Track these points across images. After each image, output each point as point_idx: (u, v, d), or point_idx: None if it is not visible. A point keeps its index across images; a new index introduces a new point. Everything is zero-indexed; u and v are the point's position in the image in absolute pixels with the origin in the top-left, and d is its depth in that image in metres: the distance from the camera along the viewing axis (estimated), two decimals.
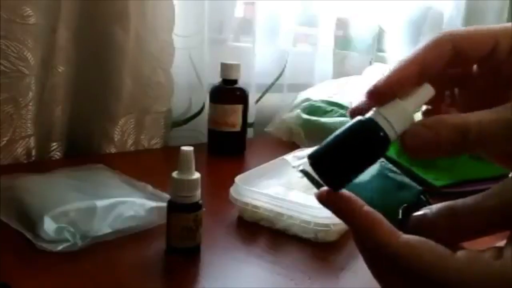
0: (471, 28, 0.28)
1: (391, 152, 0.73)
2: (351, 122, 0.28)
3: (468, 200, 0.26)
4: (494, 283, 0.23)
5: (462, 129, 0.25)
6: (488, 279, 0.23)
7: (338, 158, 0.28)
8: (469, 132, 0.25)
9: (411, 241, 0.25)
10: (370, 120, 0.27)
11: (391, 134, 0.26)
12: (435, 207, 0.28)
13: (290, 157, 0.40)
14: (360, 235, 0.27)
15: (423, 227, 0.27)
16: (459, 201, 0.27)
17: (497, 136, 0.25)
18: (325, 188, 0.28)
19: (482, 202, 0.26)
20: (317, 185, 0.31)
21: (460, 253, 0.24)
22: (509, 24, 0.28)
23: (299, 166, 0.36)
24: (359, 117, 0.27)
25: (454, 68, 0.29)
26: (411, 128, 0.26)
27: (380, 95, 0.27)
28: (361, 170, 0.27)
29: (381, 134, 0.26)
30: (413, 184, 0.33)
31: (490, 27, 0.28)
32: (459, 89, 0.31)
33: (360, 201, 0.27)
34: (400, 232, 0.26)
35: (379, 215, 0.27)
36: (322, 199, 0.29)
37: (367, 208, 0.27)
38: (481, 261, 0.24)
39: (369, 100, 0.27)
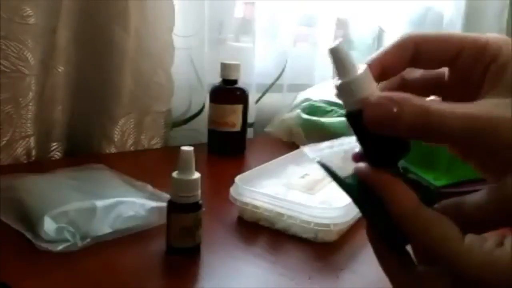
0: (438, 32, 0.29)
1: None
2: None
3: (474, 196, 0.26)
4: (489, 269, 0.24)
5: (424, 113, 0.25)
6: (485, 266, 0.24)
7: None
8: (430, 119, 0.25)
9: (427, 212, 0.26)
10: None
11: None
12: (442, 203, 0.28)
13: (307, 148, 0.40)
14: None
15: None
16: (466, 197, 0.27)
17: (455, 132, 0.25)
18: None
19: (487, 198, 0.26)
20: (334, 176, 0.33)
21: (467, 238, 0.25)
22: (480, 37, 0.29)
23: (316, 157, 0.36)
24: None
25: (417, 67, 0.30)
26: (375, 98, 0.26)
27: None
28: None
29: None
30: (426, 182, 0.33)
31: (458, 33, 0.29)
32: (435, 95, 0.31)
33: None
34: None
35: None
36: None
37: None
38: (483, 248, 0.24)
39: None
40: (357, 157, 0.31)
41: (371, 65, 0.29)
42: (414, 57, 0.29)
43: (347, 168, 0.33)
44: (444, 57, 0.29)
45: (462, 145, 0.28)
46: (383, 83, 0.30)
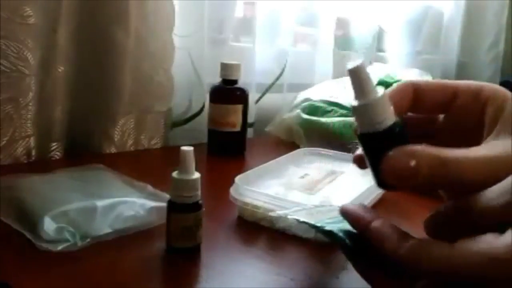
0: (434, 80, 0.33)
1: None
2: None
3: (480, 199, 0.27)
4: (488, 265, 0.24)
5: (442, 163, 0.26)
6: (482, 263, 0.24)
7: None
8: (448, 169, 0.26)
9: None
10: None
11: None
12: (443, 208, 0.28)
13: (277, 212, 0.42)
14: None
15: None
16: (470, 201, 0.27)
17: (473, 176, 0.26)
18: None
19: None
20: (310, 225, 0.35)
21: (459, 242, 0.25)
22: (473, 82, 0.31)
23: (286, 214, 0.38)
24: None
25: (417, 113, 0.33)
26: (392, 153, 0.27)
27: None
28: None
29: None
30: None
31: (454, 82, 0.31)
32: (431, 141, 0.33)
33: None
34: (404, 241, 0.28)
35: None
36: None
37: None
38: (477, 245, 0.24)
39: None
40: (357, 159, 0.32)
41: None
42: (414, 103, 0.31)
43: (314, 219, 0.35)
44: (441, 101, 0.31)
45: (475, 188, 0.27)
46: None
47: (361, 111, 0.29)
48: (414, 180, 0.26)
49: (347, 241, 0.32)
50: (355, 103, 0.29)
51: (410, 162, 0.26)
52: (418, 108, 0.32)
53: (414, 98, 0.31)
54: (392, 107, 0.29)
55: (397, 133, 0.28)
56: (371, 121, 0.28)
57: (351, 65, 0.29)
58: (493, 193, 0.25)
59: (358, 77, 0.29)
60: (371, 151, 0.29)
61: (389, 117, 0.28)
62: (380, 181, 0.29)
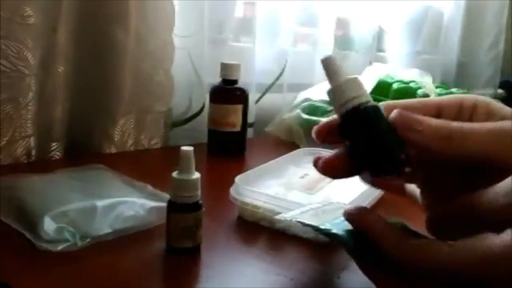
0: (413, 99, 0.32)
1: None
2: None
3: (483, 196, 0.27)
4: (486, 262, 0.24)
5: (448, 130, 0.27)
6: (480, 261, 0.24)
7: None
8: (452, 127, 0.27)
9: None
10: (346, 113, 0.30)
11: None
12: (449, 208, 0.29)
13: (282, 215, 0.42)
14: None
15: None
16: (474, 198, 0.27)
17: (480, 140, 0.27)
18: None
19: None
20: (313, 227, 0.35)
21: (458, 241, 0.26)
22: (451, 96, 0.32)
23: (291, 218, 0.38)
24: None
25: None
26: (402, 111, 0.29)
27: None
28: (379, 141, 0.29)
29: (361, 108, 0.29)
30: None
31: (434, 98, 0.33)
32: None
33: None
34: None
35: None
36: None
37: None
38: (474, 244, 0.25)
39: None
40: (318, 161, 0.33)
41: None
42: None
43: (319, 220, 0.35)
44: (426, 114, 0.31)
45: (477, 161, 0.28)
46: None
47: (335, 92, 0.30)
48: (418, 136, 0.27)
49: (351, 242, 0.32)
50: (329, 87, 0.30)
51: (418, 127, 0.27)
52: None
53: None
54: (366, 89, 0.30)
55: (378, 109, 0.29)
56: (349, 97, 0.29)
57: (323, 56, 0.31)
58: (495, 193, 0.25)
59: (331, 65, 0.31)
60: (352, 131, 0.29)
61: (365, 95, 0.29)
62: (356, 165, 0.30)
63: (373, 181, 0.32)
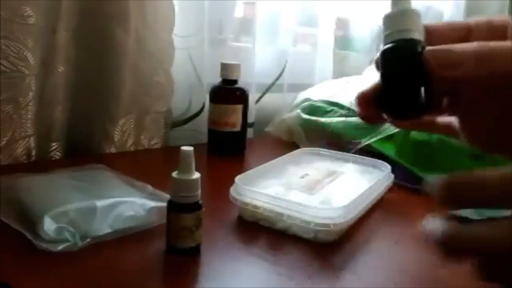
0: (443, 22, 0.30)
1: (391, 151, 0.74)
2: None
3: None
4: None
5: (489, 48, 0.25)
6: None
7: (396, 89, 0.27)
8: (494, 56, 0.25)
9: None
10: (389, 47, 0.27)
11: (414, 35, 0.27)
12: None
13: None
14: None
15: None
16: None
17: None
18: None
19: None
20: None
21: None
22: (485, 18, 0.30)
23: None
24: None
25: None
26: (434, 47, 0.26)
27: None
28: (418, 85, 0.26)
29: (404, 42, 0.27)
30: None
31: (461, 21, 0.30)
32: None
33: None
34: None
35: None
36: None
37: None
38: None
39: None
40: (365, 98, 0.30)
41: None
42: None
43: None
44: (457, 39, 0.29)
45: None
46: None
47: (396, 17, 0.28)
48: (458, 68, 0.25)
49: None
50: (389, 11, 0.28)
51: (455, 51, 0.26)
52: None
53: (428, 41, 0.29)
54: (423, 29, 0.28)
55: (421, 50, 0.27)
56: (404, 27, 0.27)
57: None
58: None
59: None
60: (394, 62, 0.27)
61: (421, 33, 0.27)
62: (387, 101, 0.27)
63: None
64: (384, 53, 0.27)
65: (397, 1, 0.28)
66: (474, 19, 0.30)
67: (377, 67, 0.28)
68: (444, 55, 0.26)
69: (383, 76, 0.28)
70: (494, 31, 0.29)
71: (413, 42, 0.27)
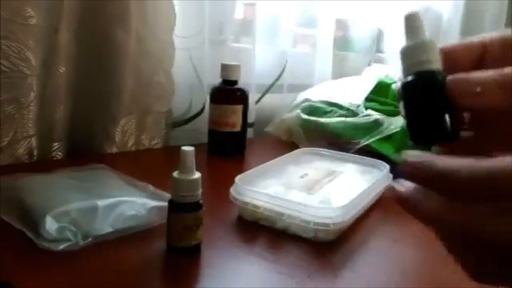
0: (457, 42, 0.30)
1: (390, 151, 0.74)
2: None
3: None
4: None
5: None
6: None
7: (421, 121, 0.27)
8: None
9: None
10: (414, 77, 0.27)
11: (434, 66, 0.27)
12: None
13: None
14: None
15: None
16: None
17: None
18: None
19: None
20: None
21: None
22: (497, 33, 0.30)
23: None
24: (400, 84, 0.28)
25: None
26: (456, 76, 0.26)
27: None
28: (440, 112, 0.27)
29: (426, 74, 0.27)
30: None
31: (478, 36, 0.30)
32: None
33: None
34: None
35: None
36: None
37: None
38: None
39: None
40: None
41: None
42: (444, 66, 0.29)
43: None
44: (473, 58, 0.29)
45: None
46: None
47: (413, 49, 0.28)
48: (482, 97, 0.25)
49: None
50: (406, 44, 0.29)
51: (478, 80, 0.25)
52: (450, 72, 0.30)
53: (445, 63, 0.29)
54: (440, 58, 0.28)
55: (444, 80, 0.27)
56: (422, 59, 0.27)
57: (409, 11, 0.29)
58: None
59: (413, 22, 0.29)
60: (416, 96, 0.27)
61: (439, 62, 0.27)
62: (414, 133, 0.28)
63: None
64: (406, 87, 0.28)
65: (412, 33, 0.29)
66: (488, 36, 0.30)
67: (399, 100, 0.29)
68: (467, 84, 0.26)
69: (407, 110, 0.28)
70: (508, 46, 0.29)
71: (433, 74, 0.27)
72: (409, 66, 0.28)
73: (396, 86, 0.29)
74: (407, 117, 0.28)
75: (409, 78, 0.28)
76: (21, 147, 0.68)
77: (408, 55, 0.28)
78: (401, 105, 0.28)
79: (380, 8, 1.18)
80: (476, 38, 0.30)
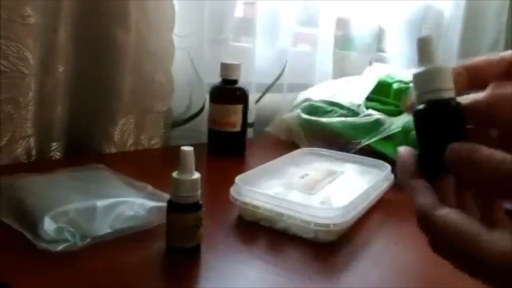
0: (482, 57, 0.30)
1: (390, 150, 0.74)
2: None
3: None
4: None
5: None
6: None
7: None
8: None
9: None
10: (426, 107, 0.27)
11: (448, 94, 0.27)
12: None
13: None
14: None
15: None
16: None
17: None
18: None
19: None
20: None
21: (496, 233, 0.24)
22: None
23: None
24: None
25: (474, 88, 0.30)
26: (457, 146, 0.26)
27: None
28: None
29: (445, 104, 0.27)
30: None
31: (501, 55, 0.30)
32: None
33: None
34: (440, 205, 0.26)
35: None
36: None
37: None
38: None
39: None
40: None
41: None
42: (469, 85, 0.29)
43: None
44: (496, 71, 0.29)
45: None
46: None
47: (425, 76, 0.27)
48: (475, 175, 0.25)
49: None
50: (419, 69, 0.28)
51: (471, 171, 0.25)
52: (475, 86, 0.30)
53: (469, 81, 0.29)
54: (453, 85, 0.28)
55: (459, 109, 0.27)
56: (434, 86, 0.27)
57: (423, 35, 0.29)
58: None
59: (425, 46, 0.28)
60: (431, 124, 0.27)
61: (453, 89, 0.27)
62: (427, 161, 0.28)
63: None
64: (418, 115, 0.28)
65: (424, 58, 0.28)
66: (510, 52, 0.30)
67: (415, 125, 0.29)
68: (467, 162, 0.25)
69: (420, 138, 0.28)
70: None
71: (445, 103, 0.27)
72: (421, 93, 0.28)
73: (410, 110, 0.29)
74: (419, 146, 0.28)
75: (421, 106, 0.27)
76: (20, 147, 0.68)
77: (420, 81, 0.28)
78: (414, 133, 0.28)
79: (381, 6, 1.17)
80: (498, 57, 0.30)
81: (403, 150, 0.30)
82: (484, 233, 0.24)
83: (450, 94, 0.27)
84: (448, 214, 0.25)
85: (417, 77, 0.28)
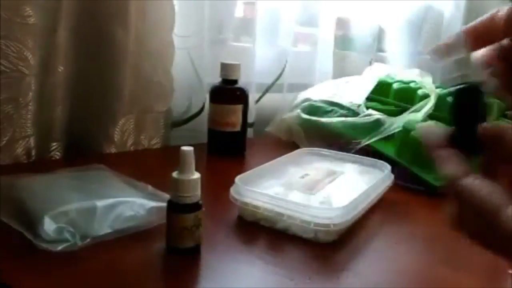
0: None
1: (391, 151, 0.74)
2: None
3: None
4: None
5: None
6: None
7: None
8: None
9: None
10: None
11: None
12: None
13: None
14: None
15: None
16: None
17: None
18: None
19: None
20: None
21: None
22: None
23: None
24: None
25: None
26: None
27: None
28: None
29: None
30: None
31: (487, 15, 0.30)
32: None
33: None
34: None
35: None
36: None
37: None
38: None
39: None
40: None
41: None
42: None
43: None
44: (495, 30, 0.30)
45: None
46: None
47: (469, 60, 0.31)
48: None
49: None
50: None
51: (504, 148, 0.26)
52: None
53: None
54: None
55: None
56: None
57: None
58: None
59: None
60: (473, 101, 0.29)
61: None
62: (459, 138, 0.29)
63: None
64: (463, 92, 0.30)
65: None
66: (494, 11, 0.30)
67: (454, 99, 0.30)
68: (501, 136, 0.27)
69: (458, 114, 0.30)
70: None
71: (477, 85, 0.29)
72: (463, 75, 0.31)
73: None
74: (456, 121, 0.30)
75: (465, 85, 0.30)
76: (20, 147, 0.68)
77: (463, 63, 0.31)
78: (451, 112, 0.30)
79: (381, 6, 1.17)
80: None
81: (428, 124, 0.31)
82: (507, 205, 0.24)
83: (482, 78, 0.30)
84: (475, 181, 0.26)
85: (460, 60, 0.32)
